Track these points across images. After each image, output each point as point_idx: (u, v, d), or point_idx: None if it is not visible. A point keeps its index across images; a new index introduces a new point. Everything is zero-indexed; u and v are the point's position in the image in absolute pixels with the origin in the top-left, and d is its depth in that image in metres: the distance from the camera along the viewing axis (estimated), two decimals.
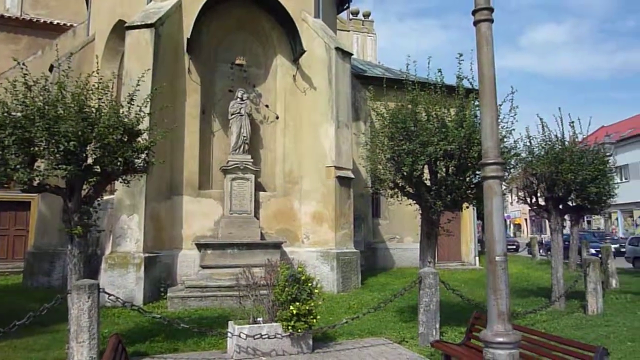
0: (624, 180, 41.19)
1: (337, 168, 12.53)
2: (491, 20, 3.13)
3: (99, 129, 6.01)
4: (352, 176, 13.05)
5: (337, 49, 13.10)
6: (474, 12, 3.16)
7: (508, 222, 63.81)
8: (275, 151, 12.98)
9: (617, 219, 42.52)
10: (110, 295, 6.32)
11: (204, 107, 12.42)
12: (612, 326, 8.39)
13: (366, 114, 16.38)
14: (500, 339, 2.80)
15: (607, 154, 13.65)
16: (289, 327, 6.42)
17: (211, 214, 11.97)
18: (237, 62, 12.41)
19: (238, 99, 12.20)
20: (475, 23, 3.17)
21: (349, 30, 23.63)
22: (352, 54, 14.55)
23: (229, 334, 6.58)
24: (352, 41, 23.03)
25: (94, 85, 6.51)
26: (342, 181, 12.62)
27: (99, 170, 6.39)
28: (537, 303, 10.16)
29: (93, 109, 6.32)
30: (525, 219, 57.21)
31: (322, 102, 12.83)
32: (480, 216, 30.56)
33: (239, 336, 6.33)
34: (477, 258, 18.47)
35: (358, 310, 8.95)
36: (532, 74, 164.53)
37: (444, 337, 7.44)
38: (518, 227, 62.63)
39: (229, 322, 6.92)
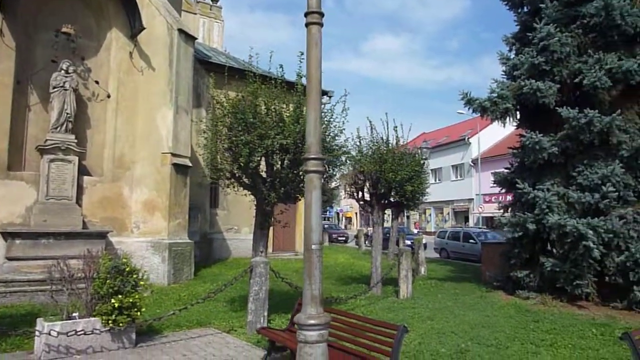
0: (437, 181, 47.17)
1: (174, 155, 12.06)
2: (321, 24, 3.33)
3: None
4: (190, 164, 12.70)
5: (181, 30, 12.59)
6: (305, 15, 3.33)
7: (340, 216, 68.46)
8: (105, 133, 11.94)
9: (430, 214, 48.51)
10: None
11: (19, 77, 10.84)
12: (418, 308, 9.58)
13: (208, 101, 16.01)
14: (312, 321, 3.02)
15: (424, 157, 15.48)
16: (109, 322, 6.01)
17: (22, 198, 10.54)
18: (64, 30, 11.11)
19: (62, 72, 10.93)
20: (307, 25, 3.35)
21: (195, 13, 22.80)
22: (196, 38, 14.12)
23: (37, 333, 5.91)
24: (198, 25, 22.27)
25: None
26: (179, 169, 12.20)
27: None
28: (359, 289, 11.10)
29: None
30: (356, 213, 62.03)
31: (160, 84, 12.21)
32: None
33: (49, 334, 5.72)
34: None
35: (188, 301, 8.77)
36: (371, 78, 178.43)
37: (272, 324, 7.71)
38: (349, 220, 67.58)
39: (38, 319, 6.21)
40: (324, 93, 18.60)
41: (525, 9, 12.56)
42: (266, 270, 7.32)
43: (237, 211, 16.79)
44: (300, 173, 7.86)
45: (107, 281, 6.02)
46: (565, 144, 10.26)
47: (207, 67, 16.44)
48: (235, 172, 7.77)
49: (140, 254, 10.90)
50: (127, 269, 6.18)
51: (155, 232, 11.83)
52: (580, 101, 10.29)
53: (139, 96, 12.14)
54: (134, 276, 6.24)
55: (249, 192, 8.25)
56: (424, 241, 20.04)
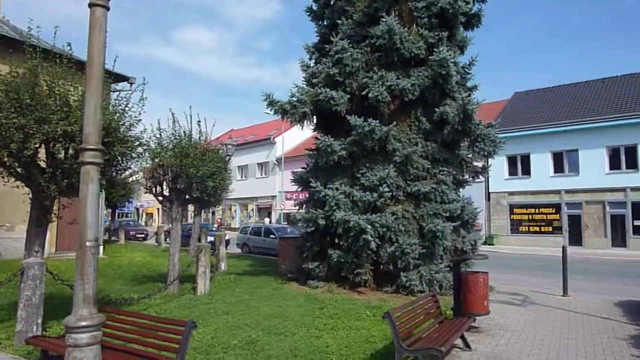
0: (243, 178, 48.02)
1: None
2: (107, 8, 3.11)
3: None
4: None
5: None
6: None
7: (140, 212, 64.51)
8: None
9: (235, 211, 49.08)
10: None
11: None
12: (214, 303, 9.62)
13: None
14: (83, 323, 2.81)
15: (228, 154, 15.62)
16: None
17: None
18: None
19: None
20: (90, 6, 3.09)
21: None
22: None
23: None
24: None
25: None
26: None
27: None
28: (154, 288, 10.64)
29: None
30: (158, 209, 59.20)
31: None
32: (110, 204, 29.78)
33: None
34: (102, 247, 17.88)
35: None
36: (183, 70, 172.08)
37: (49, 332, 6.92)
38: (150, 216, 64.12)
39: None
40: (125, 79, 17.36)
41: (325, 23, 13.63)
42: (41, 273, 6.49)
43: (9, 206, 14.42)
44: None
45: None
46: (352, 148, 11.46)
47: None
48: (5, 159, 6.69)
49: None
50: None
51: None
52: (366, 111, 11.58)
53: None
54: None
55: (22, 184, 7.17)
56: (227, 237, 20.21)
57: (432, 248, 10.74)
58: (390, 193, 10.94)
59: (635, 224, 26.16)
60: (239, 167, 47.28)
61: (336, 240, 11.63)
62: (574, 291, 11.16)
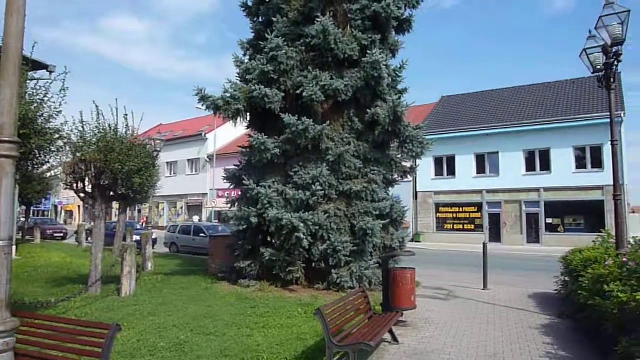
0: (172, 174, 46.51)
1: None
2: None
3: None
4: None
5: None
6: None
7: (59, 209, 60.70)
8: None
9: (163, 208, 47.42)
10: None
11: None
12: (140, 304, 9.26)
13: None
14: None
15: (157, 149, 15.06)
16: None
17: None
18: None
19: None
20: None
21: None
22: None
23: None
24: None
25: None
26: None
27: None
28: (75, 290, 10.08)
29: None
30: (79, 206, 55.93)
31: None
32: (24, 201, 27.73)
33: None
34: (14, 247, 16.64)
35: None
36: (111, 60, 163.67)
37: None
38: (70, 214, 60.50)
39: None
40: (44, 67, 16.23)
41: (260, 19, 13.49)
42: None
43: None
44: None
45: None
46: (286, 146, 11.45)
47: None
48: None
49: None
50: None
51: None
52: (300, 110, 11.60)
53: None
54: None
55: None
56: (154, 236, 19.52)
57: (362, 245, 10.97)
58: (323, 192, 11.04)
59: (547, 222, 28.26)
60: (167, 163, 45.74)
61: (269, 239, 11.60)
62: (493, 285, 11.86)
